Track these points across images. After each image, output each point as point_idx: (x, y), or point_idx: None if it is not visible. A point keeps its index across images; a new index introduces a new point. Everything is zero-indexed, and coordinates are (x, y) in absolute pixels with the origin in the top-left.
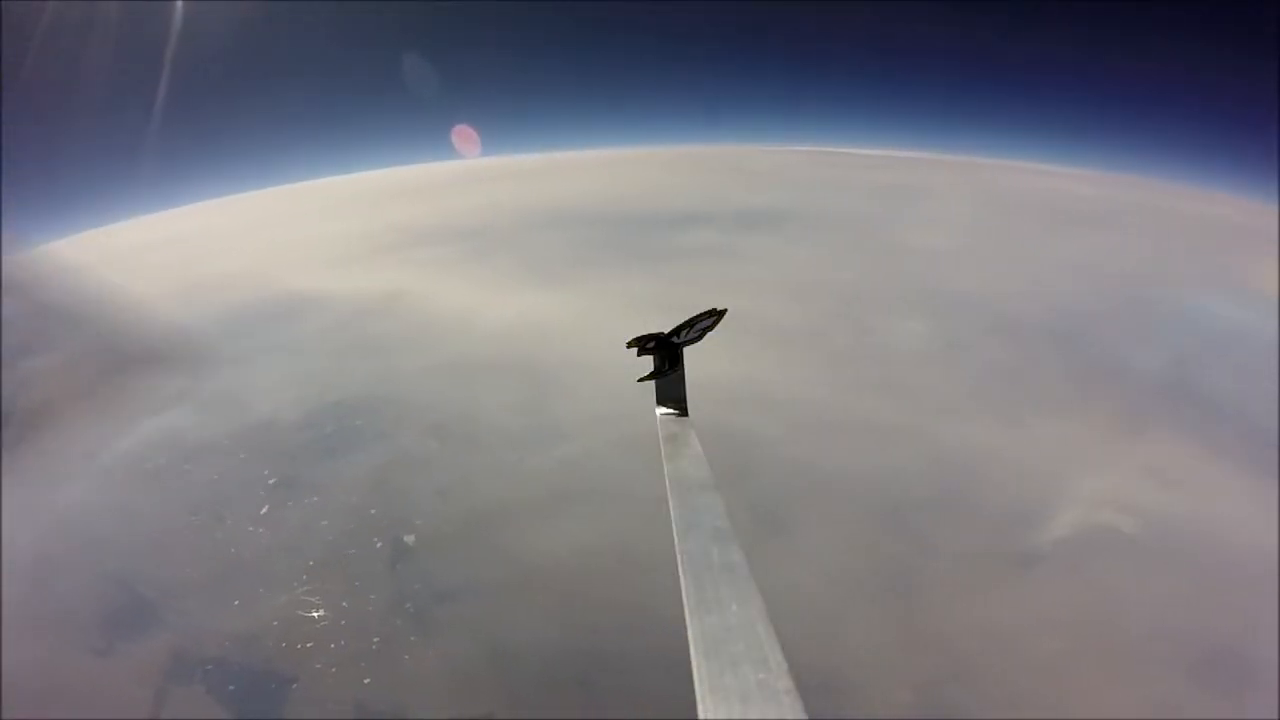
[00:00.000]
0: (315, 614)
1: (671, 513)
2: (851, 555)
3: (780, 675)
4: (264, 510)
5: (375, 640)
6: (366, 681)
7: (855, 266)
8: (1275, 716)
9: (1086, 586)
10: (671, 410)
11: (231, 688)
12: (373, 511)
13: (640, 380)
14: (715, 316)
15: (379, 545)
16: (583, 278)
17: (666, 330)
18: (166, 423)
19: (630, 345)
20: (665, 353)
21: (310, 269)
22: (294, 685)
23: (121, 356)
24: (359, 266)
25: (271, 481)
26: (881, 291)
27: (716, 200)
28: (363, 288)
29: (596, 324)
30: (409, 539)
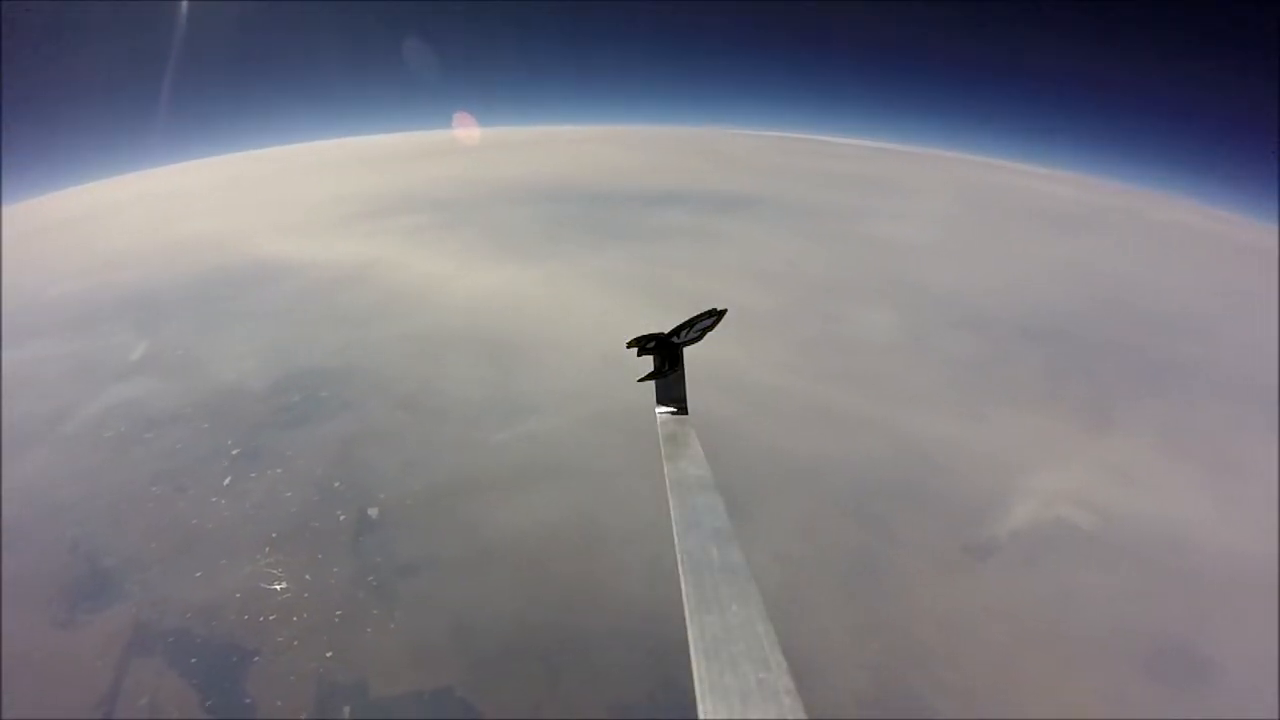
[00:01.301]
0: (278, 586)
1: (671, 513)
2: (812, 541)
3: (780, 675)
4: (227, 481)
5: (338, 613)
6: (328, 655)
7: (827, 256)
8: (1275, 717)
9: (1040, 578)
10: (671, 410)
11: (193, 660)
12: (337, 484)
13: (640, 380)
14: (715, 317)
15: (343, 518)
16: (554, 253)
17: (666, 330)
18: (129, 389)
19: (630, 345)
20: (665, 353)
21: (281, 235)
22: (256, 658)
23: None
24: (331, 234)
25: (235, 452)
26: (852, 282)
27: (691, 182)
28: (334, 256)
29: (567, 300)
30: (373, 512)
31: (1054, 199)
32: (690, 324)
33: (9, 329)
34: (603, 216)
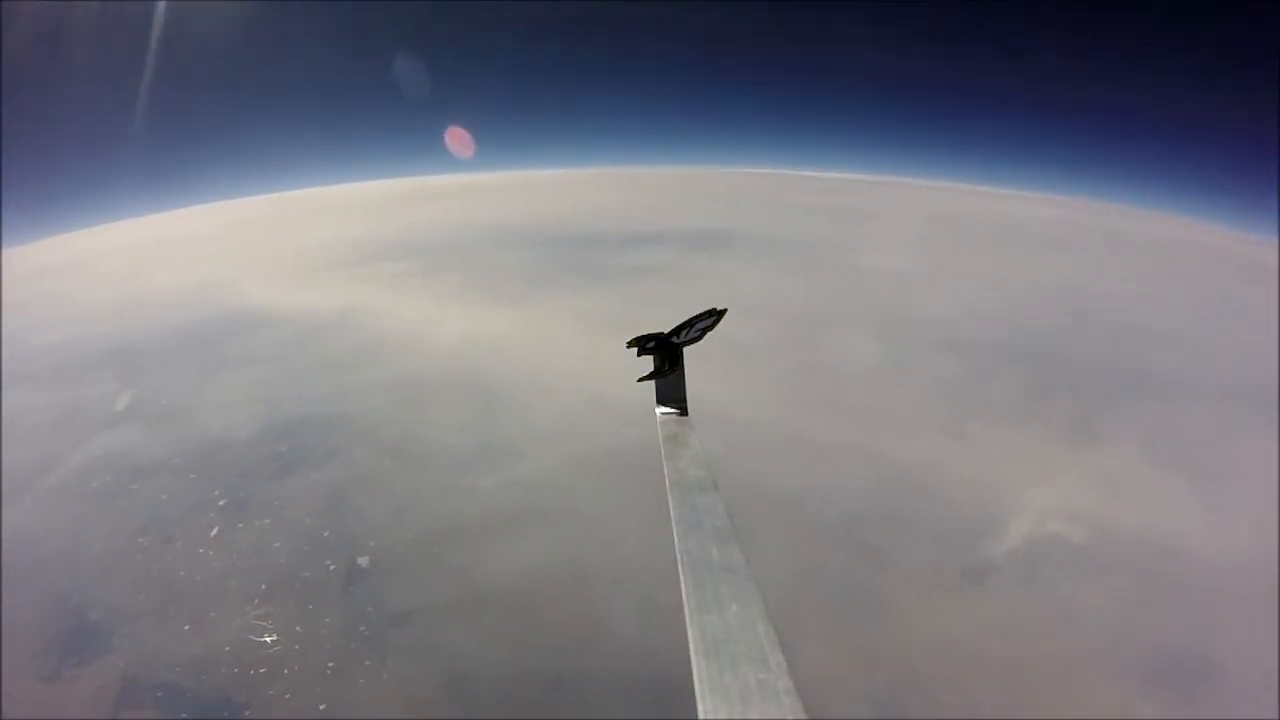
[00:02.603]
0: (268, 638)
1: (671, 513)
2: (804, 571)
3: (780, 675)
4: (214, 532)
5: (330, 665)
6: (322, 707)
7: (806, 287)
8: (1276, 717)
9: (1038, 596)
10: (671, 410)
11: (183, 714)
12: (326, 533)
13: (640, 380)
14: (715, 316)
15: (332, 567)
16: (537, 296)
17: (666, 330)
18: (115, 439)
19: (630, 345)
20: (665, 353)
21: (266, 283)
22: (247, 712)
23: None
24: (315, 281)
25: (222, 502)
26: (832, 311)
27: (670, 220)
28: (318, 303)
29: (550, 342)
30: (363, 561)
31: (1030, 220)
32: (690, 324)
33: None
34: (584, 258)
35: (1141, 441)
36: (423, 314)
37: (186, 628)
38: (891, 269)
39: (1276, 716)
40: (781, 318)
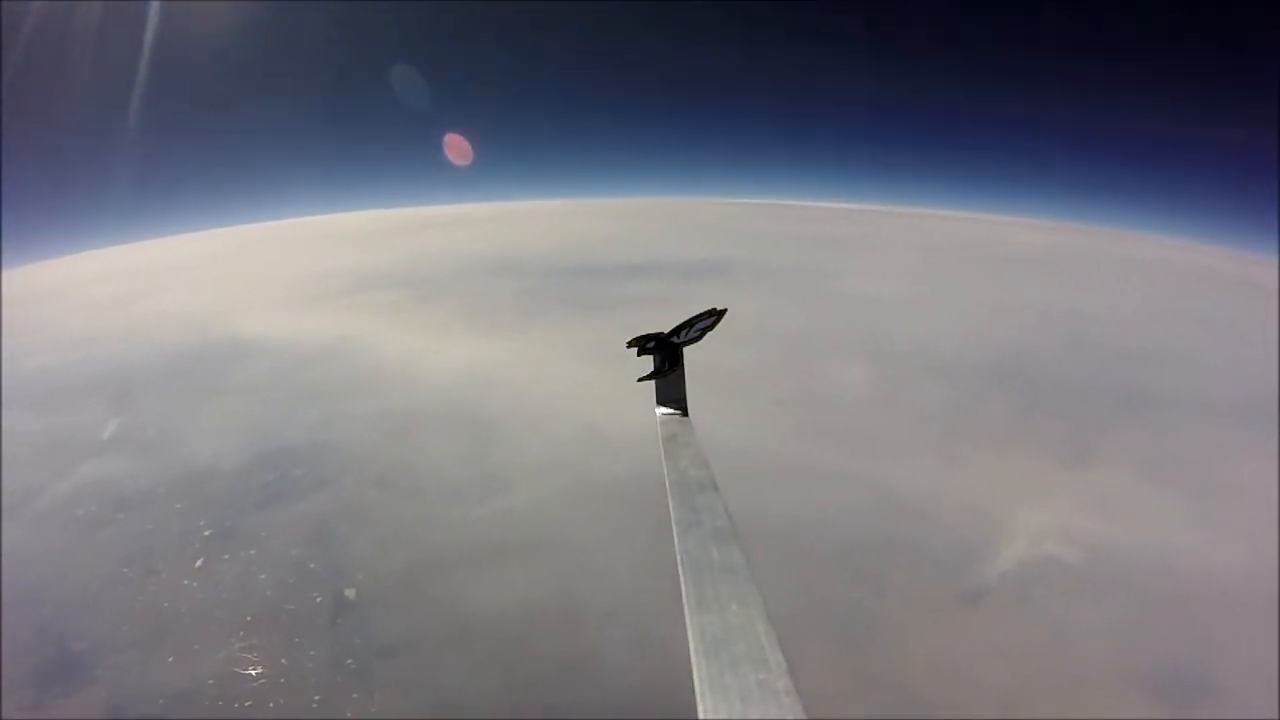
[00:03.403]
0: (253, 671)
1: (671, 513)
2: (799, 599)
3: (780, 675)
4: (199, 563)
5: (316, 698)
6: None
7: (797, 315)
8: (1275, 717)
9: (1034, 618)
10: (671, 410)
11: None
12: (312, 565)
13: (640, 380)
14: (715, 316)
15: (319, 600)
16: (528, 327)
17: (666, 330)
18: (101, 468)
19: (630, 345)
20: (665, 353)
21: (256, 312)
22: None
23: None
24: (305, 310)
25: (207, 533)
26: (823, 338)
27: (662, 251)
28: (308, 332)
29: (541, 374)
30: (350, 593)
31: (1018, 245)
32: (690, 324)
33: None
34: (576, 289)
35: (1135, 460)
36: (415, 344)
37: (170, 660)
38: (883, 296)
39: (1276, 717)
40: (774, 344)
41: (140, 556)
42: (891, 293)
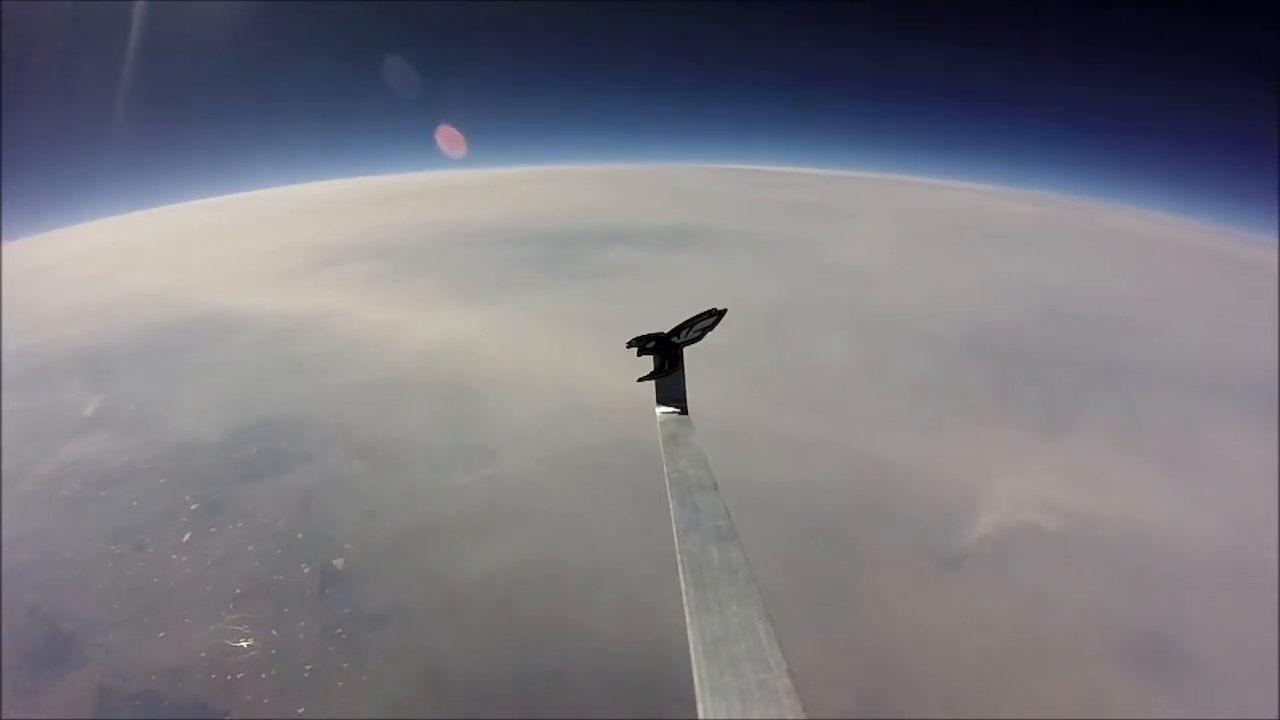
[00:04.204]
0: (244, 643)
1: (671, 513)
2: (782, 566)
3: (780, 675)
4: (186, 537)
5: (307, 668)
6: (301, 711)
7: (779, 284)
8: (1275, 717)
9: (1011, 582)
10: (671, 410)
11: None
12: (300, 536)
13: (640, 380)
14: (715, 316)
15: (307, 570)
16: (507, 295)
17: (666, 330)
18: (84, 446)
19: (630, 345)
20: (665, 353)
21: (235, 286)
22: (226, 718)
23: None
24: (283, 284)
25: (194, 507)
26: (805, 308)
27: (641, 217)
28: (287, 306)
29: (522, 342)
30: (338, 563)
31: (1001, 215)
32: (690, 324)
33: None
34: (555, 256)
35: (1111, 432)
36: (394, 315)
37: (161, 635)
38: (864, 265)
39: (1276, 717)
40: (756, 315)
41: (127, 533)
42: (873, 262)
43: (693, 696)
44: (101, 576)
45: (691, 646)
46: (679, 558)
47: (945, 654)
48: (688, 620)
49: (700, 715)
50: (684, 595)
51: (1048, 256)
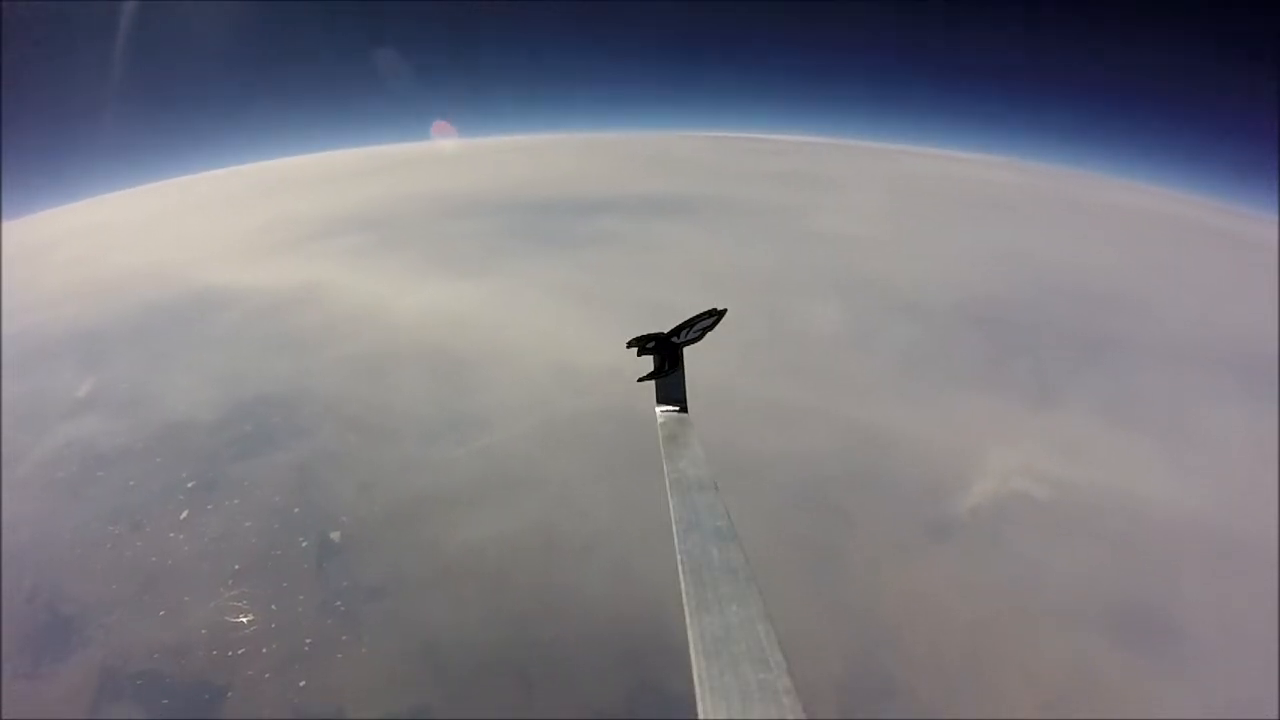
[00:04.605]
0: (244, 619)
1: (671, 513)
2: (773, 534)
3: (780, 675)
4: (184, 515)
5: (307, 642)
6: (301, 684)
7: (768, 253)
8: (1275, 717)
9: (1001, 552)
10: (672, 410)
11: (165, 701)
12: (296, 510)
13: (640, 380)
14: (715, 316)
15: (305, 544)
16: (496, 266)
17: (666, 330)
18: (78, 428)
19: (630, 345)
20: (665, 353)
21: (223, 261)
22: (228, 694)
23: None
24: (272, 258)
25: (190, 485)
26: (794, 277)
27: (629, 187)
28: (276, 280)
29: (511, 312)
30: (335, 536)
31: (990, 185)
32: (690, 324)
33: None
34: (543, 226)
35: (1102, 403)
36: (383, 288)
37: (162, 614)
38: (852, 234)
39: (1277, 717)
40: (745, 284)
41: (125, 513)
42: (862, 231)
43: (691, 696)
44: (100, 557)
45: (691, 646)
46: (679, 558)
47: (935, 621)
48: (688, 620)
49: (700, 715)
50: (684, 595)
51: (1040, 228)
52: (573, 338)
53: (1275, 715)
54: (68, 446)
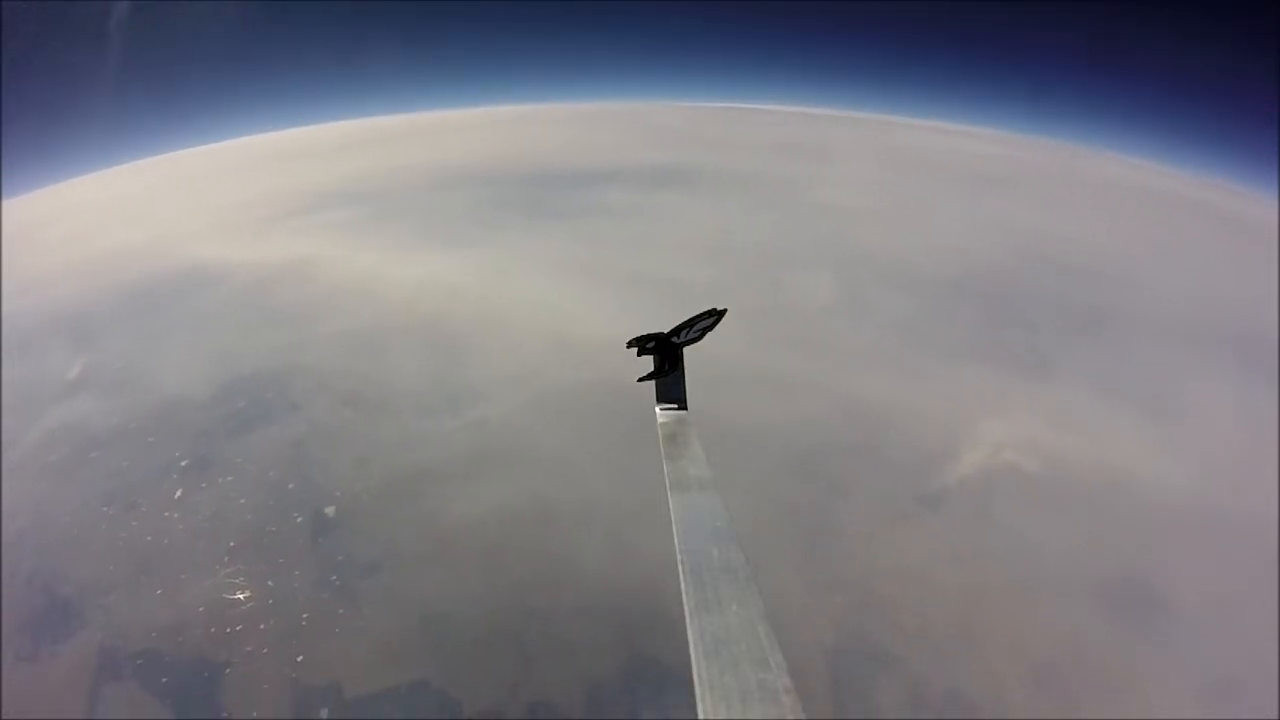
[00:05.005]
0: (241, 595)
1: (671, 513)
2: (767, 503)
3: (780, 675)
4: (178, 494)
5: (304, 617)
6: (300, 659)
7: (763, 225)
8: (1275, 717)
9: (990, 522)
10: (672, 409)
11: (164, 679)
12: (291, 486)
13: (640, 380)
14: (715, 316)
15: (300, 520)
16: (489, 238)
17: (666, 330)
18: (71, 410)
19: (630, 345)
20: (665, 353)
21: (212, 238)
22: (227, 670)
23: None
24: (262, 234)
25: (184, 464)
26: (789, 249)
27: (623, 157)
28: (266, 256)
29: (505, 284)
30: (330, 511)
31: (983, 158)
32: (690, 324)
33: None
34: (536, 198)
35: (1097, 378)
36: (376, 261)
37: (159, 593)
38: (849, 206)
39: (1276, 717)
40: (740, 256)
41: (120, 493)
42: (857, 203)
43: (692, 697)
44: (96, 539)
45: (692, 646)
46: (679, 558)
47: (924, 590)
48: (688, 620)
49: (700, 715)
50: (684, 595)
51: (1033, 200)
52: (568, 309)
53: (1275, 716)
54: (61, 430)
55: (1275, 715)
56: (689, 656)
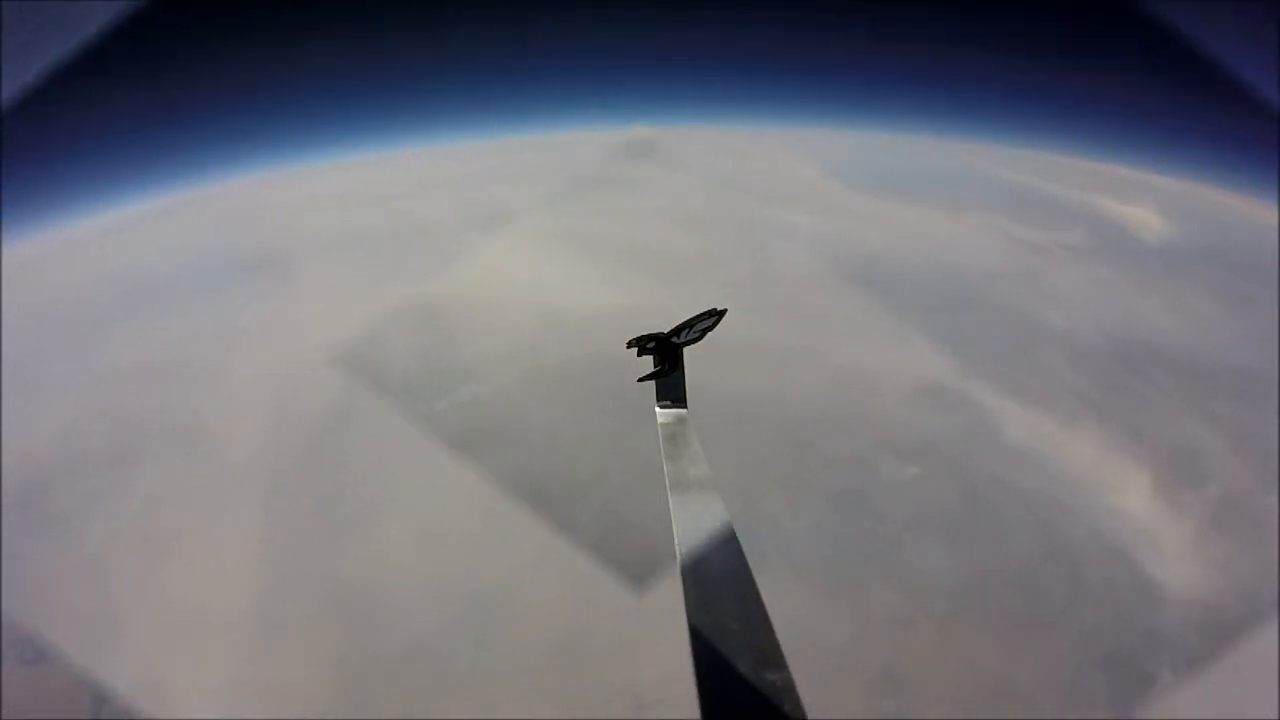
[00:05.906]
0: None
1: (671, 513)
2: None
3: (782, 675)
4: None
5: None
6: None
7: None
8: (1276, 717)
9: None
10: (671, 410)
11: None
12: None
13: (640, 380)
14: (715, 316)
15: None
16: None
17: (666, 330)
18: None
19: (630, 346)
20: (665, 353)
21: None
22: None
23: None
24: None
25: None
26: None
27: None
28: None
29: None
30: None
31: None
32: (690, 324)
33: None
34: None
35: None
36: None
37: None
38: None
39: (1277, 717)
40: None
41: None
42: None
43: (692, 695)
44: None
45: (692, 646)
46: (679, 558)
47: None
48: (688, 620)
49: (700, 715)
50: (684, 596)
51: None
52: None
53: (1276, 715)
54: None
55: (1275, 715)
56: (689, 657)
